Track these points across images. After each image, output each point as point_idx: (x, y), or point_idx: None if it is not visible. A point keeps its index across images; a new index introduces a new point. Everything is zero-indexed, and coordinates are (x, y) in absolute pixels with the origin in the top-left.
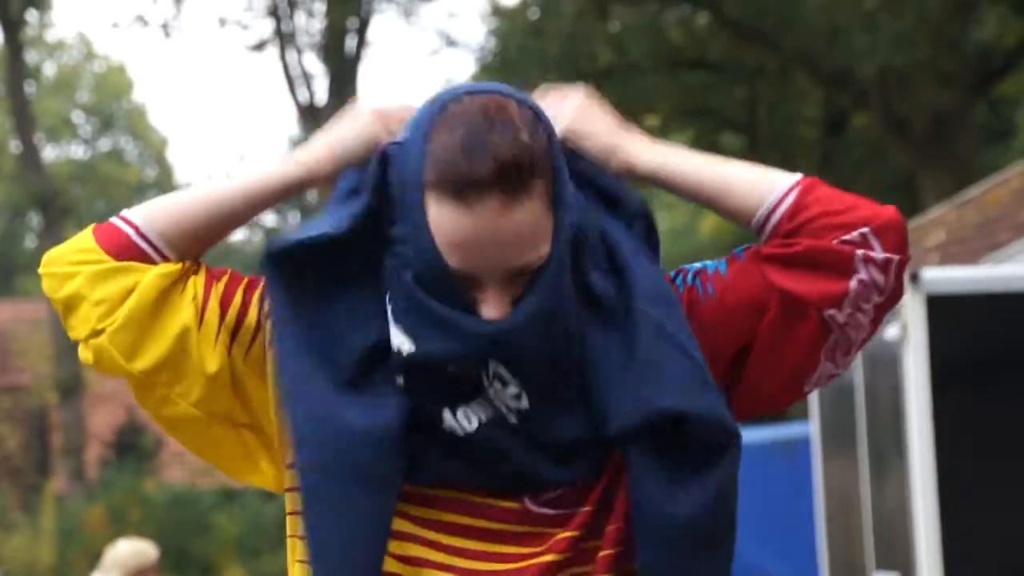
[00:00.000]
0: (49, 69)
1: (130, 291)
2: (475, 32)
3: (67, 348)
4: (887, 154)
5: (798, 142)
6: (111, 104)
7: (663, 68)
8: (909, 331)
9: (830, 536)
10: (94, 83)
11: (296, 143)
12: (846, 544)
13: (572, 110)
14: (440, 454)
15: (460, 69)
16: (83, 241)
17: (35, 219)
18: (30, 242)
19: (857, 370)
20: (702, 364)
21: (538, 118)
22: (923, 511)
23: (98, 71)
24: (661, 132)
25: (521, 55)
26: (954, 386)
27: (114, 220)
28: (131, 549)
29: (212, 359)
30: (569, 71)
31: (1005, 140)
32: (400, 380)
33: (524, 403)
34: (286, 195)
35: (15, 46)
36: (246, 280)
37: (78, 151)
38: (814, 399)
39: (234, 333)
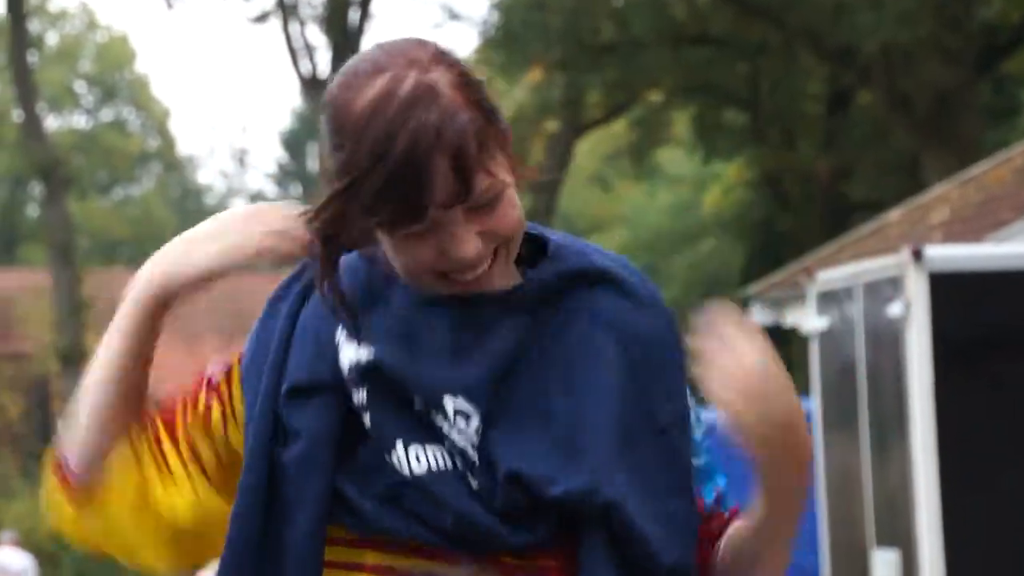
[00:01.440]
0: (52, 39)
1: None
2: (479, 5)
3: (69, 317)
4: (891, 132)
5: (801, 119)
6: (113, 74)
7: (666, 43)
8: (912, 309)
9: (830, 513)
10: (96, 53)
11: (299, 115)
12: (846, 521)
13: (747, 373)
14: (379, 496)
15: (463, 42)
16: (51, 487)
17: (37, 188)
18: (32, 211)
19: (859, 347)
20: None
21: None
22: (924, 489)
23: (100, 41)
24: (664, 108)
25: (524, 28)
26: (957, 364)
27: (58, 456)
28: None
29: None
30: (572, 45)
31: (1009, 119)
32: (362, 395)
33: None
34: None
35: (18, 15)
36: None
37: (80, 121)
38: (816, 375)
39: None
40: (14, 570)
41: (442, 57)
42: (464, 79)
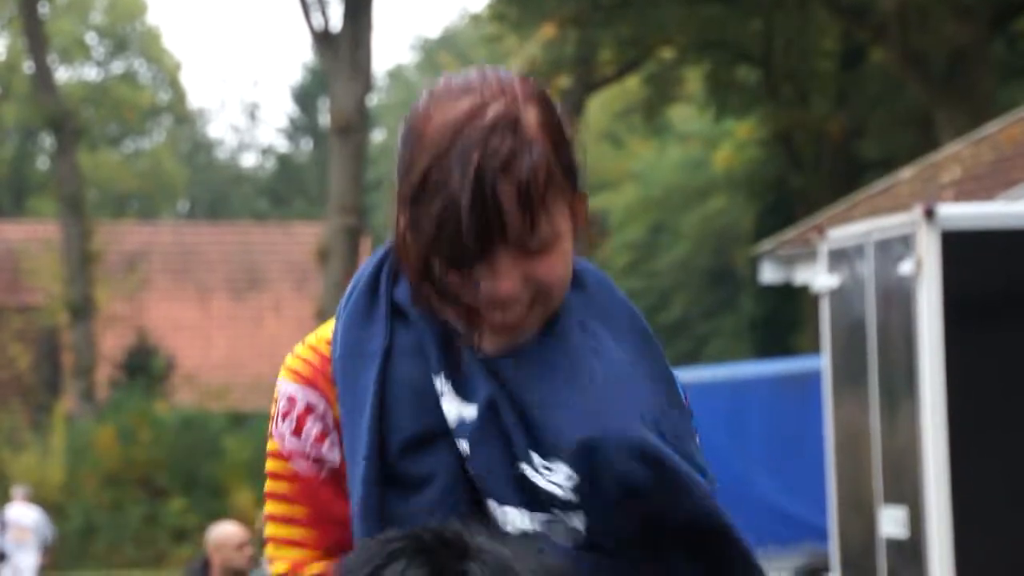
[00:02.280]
0: None
1: None
2: None
3: (78, 269)
4: (904, 89)
5: (814, 77)
6: (124, 26)
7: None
8: (923, 266)
9: (839, 469)
10: (107, 5)
11: (310, 70)
12: (855, 478)
13: None
14: None
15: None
16: None
17: (47, 140)
18: (42, 163)
19: (870, 305)
20: None
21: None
22: (932, 447)
23: None
24: (676, 65)
25: None
26: (967, 321)
27: None
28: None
29: None
30: (585, 1)
31: (1020, 79)
32: (465, 446)
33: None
34: None
35: None
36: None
37: (91, 73)
38: (826, 333)
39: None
40: (27, 525)
41: (539, 97)
42: (553, 124)
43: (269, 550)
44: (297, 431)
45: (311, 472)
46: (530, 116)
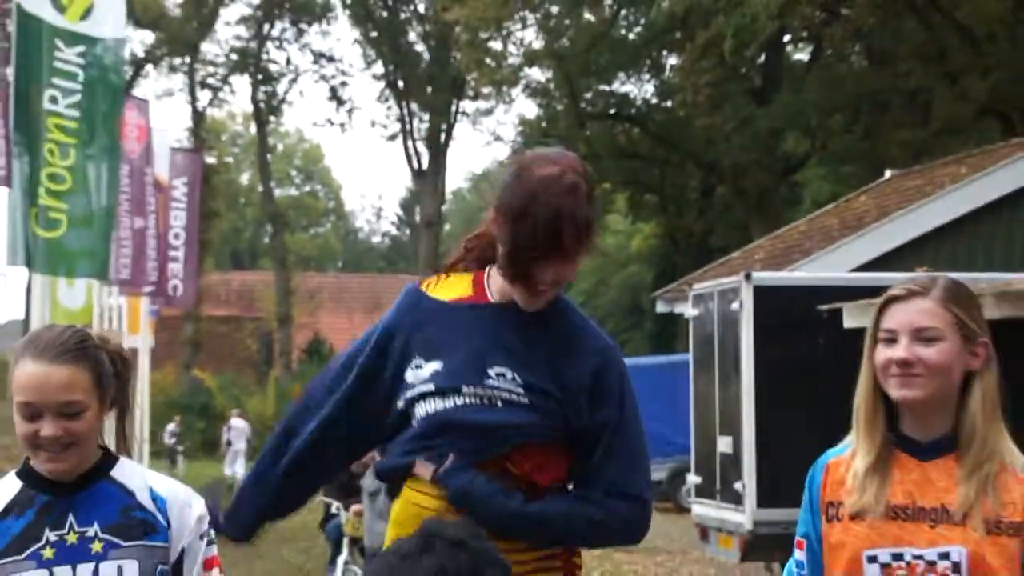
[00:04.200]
0: (279, 146)
1: None
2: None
3: (283, 298)
4: (735, 210)
5: (687, 202)
6: (311, 165)
7: (613, 157)
8: (744, 306)
9: (695, 416)
10: (303, 152)
11: (410, 189)
12: (704, 420)
13: None
14: None
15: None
16: None
17: (269, 228)
18: (265, 240)
19: (715, 326)
20: None
21: None
22: (745, 404)
23: (305, 147)
24: (610, 193)
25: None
26: (765, 337)
27: None
28: None
29: None
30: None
31: (797, 205)
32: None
33: None
34: None
35: (263, 135)
36: None
37: (292, 190)
38: (691, 341)
39: None
40: (241, 428)
41: (585, 172)
42: (590, 191)
43: None
44: None
45: None
46: (583, 187)
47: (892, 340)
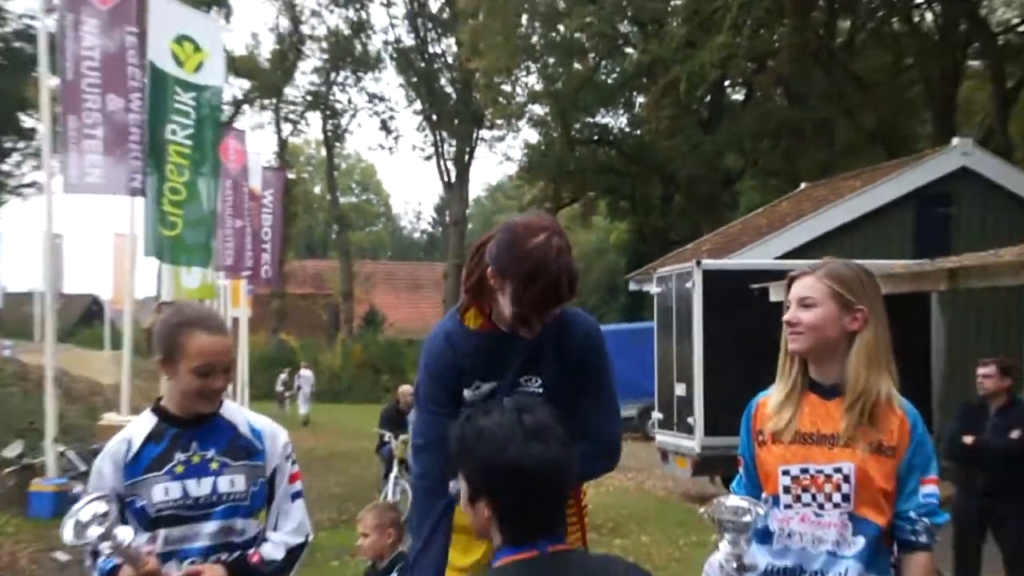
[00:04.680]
0: (344, 164)
1: None
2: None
3: (346, 278)
4: (692, 215)
5: (652, 206)
6: (369, 180)
7: (596, 172)
8: (695, 285)
9: (659, 369)
10: (360, 171)
11: (442, 197)
12: (666, 372)
13: None
14: None
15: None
16: None
17: (335, 227)
18: (330, 236)
19: (673, 300)
20: None
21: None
22: (696, 358)
23: (363, 167)
24: (594, 200)
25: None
26: (711, 309)
27: None
28: None
29: None
30: (561, 172)
31: (735, 209)
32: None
33: None
34: None
35: (331, 157)
36: None
37: (352, 200)
38: (656, 312)
39: None
40: (308, 376)
41: (560, 229)
42: (568, 243)
43: None
44: None
45: None
46: (565, 244)
47: (788, 308)
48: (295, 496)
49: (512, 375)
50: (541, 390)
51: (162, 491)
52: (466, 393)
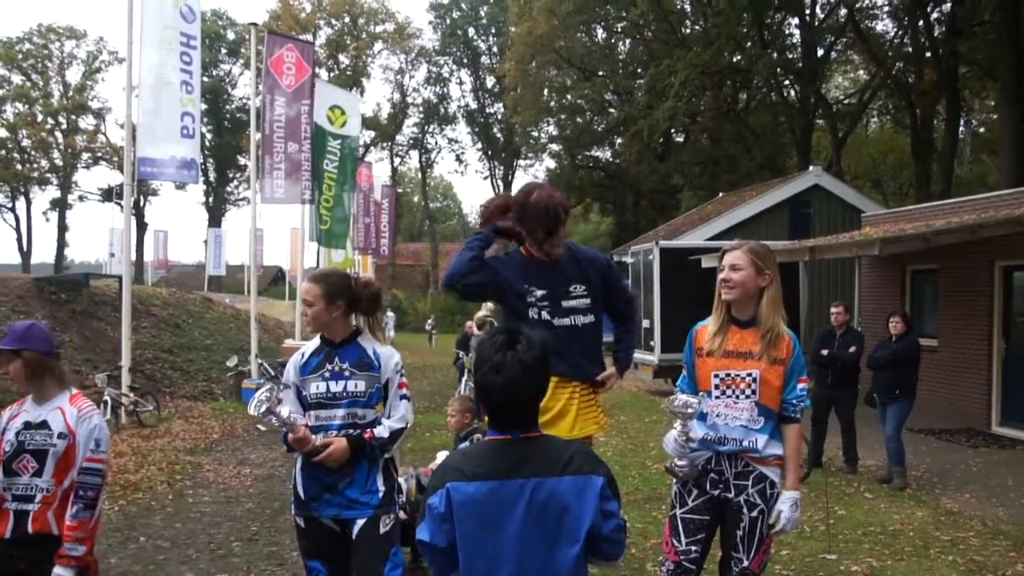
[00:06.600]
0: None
1: None
2: None
3: (434, 255)
4: (648, 212)
5: (627, 208)
6: (447, 192)
7: (592, 186)
8: (655, 257)
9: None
10: (443, 186)
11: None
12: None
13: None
14: None
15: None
16: None
17: (427, 223)
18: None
19: (641, 268)
20: None
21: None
22: (656, 305)
23: (443, 183)
24: (590, 204)
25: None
26: (665, 272)
27: None
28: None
29: None
30: (572, 179)
31: (678, 209)
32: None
33: None
34: None
35: (424, 178)
36: None
37: (437, 205)
38: (629, 278)
39: None
40: (389, 315)
41: (549, 187)
42: (554, 194)
43: None
44: None
45: None
46: (551, 190)
47: (723, 270)
48: (402, 397)
49: (561, 286)
50: (586, 294)
51: (315, 387)
52: (525, 295)
